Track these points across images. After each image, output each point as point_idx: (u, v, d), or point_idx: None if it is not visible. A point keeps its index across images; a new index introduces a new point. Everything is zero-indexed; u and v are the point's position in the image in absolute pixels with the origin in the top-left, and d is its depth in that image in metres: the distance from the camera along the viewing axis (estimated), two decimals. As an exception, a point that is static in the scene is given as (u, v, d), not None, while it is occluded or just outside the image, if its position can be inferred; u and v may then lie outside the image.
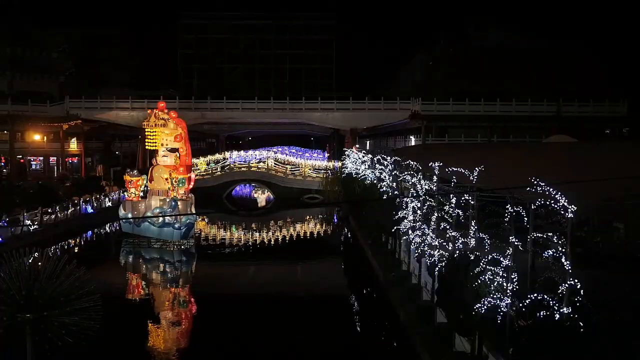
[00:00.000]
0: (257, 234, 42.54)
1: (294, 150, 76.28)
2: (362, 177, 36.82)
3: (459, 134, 54.05)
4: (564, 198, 10.88)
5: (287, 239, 41.30)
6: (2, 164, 59.80)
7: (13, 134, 57.24)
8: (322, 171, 58.48)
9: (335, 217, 50.82)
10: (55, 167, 61.21)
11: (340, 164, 56.25)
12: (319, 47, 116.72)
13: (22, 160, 60.60)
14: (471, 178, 15.34)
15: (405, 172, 24.05)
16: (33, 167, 62.65)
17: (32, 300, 9.74)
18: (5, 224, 31.12)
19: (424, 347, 16.32)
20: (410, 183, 22.35)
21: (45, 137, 60.55)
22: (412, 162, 23.20)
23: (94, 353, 14.26)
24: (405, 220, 20.51)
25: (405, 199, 21.11)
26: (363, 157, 41.04)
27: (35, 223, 33.99)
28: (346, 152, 52.95)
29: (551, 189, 11.05)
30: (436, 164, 18.54)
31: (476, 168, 15.28)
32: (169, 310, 23.73)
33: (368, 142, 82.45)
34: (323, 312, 22.78)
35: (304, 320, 21.73)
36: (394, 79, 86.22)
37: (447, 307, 14.98)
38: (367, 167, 37.61)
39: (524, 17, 75.31)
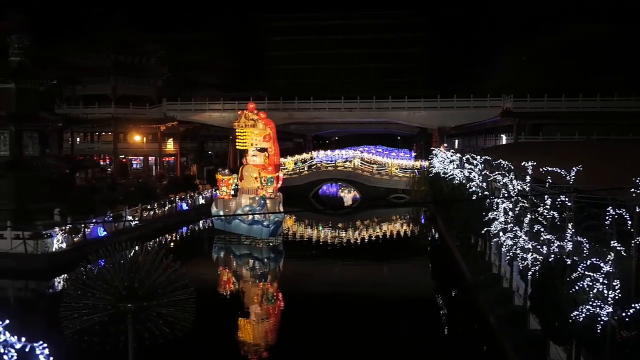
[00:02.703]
0: (344, 233, 42.74)
1: (380, 150, 75.86)
2: (450, 176, 35.97)
3: (554, 131, 51.32)
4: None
5: (373, 238, 41.18)
6: (107, 163, 64.15)
7: (116, 135, 61.28)
8: (409, 171, 57.77)
9: (422, 217, 50.03)
10: (154, 166, 64.82)
11: (427, 163, 55.28)
12: (405, 46, 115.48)
13: (124, 160, 64.70)
14: (568, 178, 14.54)
15: (496, 172, 23.22)
16: (134, 166, 66.73)
17: (132, 291, 10.31)
18: (110, 219, 33.30)
19: (515, 353, 15.69)
20: (501, 183, 21.55)
21: (144, 138, 64.27)
22: (503, 162, 22.35)
23: (189, 343, 14.88)
24: (496, 222, 19.79)
25: (495, 200, 20.38)
26: (451, 156, 40.08)
27: (136, 219, 36.16)
28: (433, 151, 51.95)
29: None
30: (529, 163, 17.74)
31: (573, 167, 14.46)
32: (257, 305, 24.40)
33: (456, 141, 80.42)
34: (409, 313, 22.49)
35: (389, 320, 21.57)
36: (483, 76, 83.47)
37: (541, 313, 14.28)
38: (455, 166, 36.69)
39: (626, 5, 70.30)
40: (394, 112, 60.25)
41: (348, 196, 64.46)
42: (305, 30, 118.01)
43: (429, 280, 30.28)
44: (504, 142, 56.85)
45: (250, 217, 35.22)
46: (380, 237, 41.82)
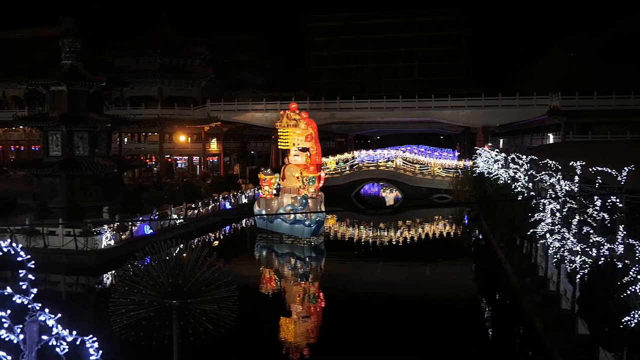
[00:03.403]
0: (385, 233, 42.50)
1: (422, 149, 75.13)
2: (495, 176, 35.26)
3: (605, 130, 49.60)
4: None
5: (415, 238, 40.80)
6: (153, 162, 65.75)
7: (162, 136, 62.76)
8: (452, 170, 56.93)
9: (465, 217, 49.23)
10: (198, 166, 66.04)
11: (471, 163, 54.35)
12: (448, 43, 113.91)
13: (169, 160, 66.20)
14: (619, 178, 14.04)
15: (543, 172, 22.65)
16: (179, 165, 68.15)
17: (177, 288, 10.53)
18: (156, 217, 34.11)
19: (563, 358, 15.26)
20: (548, 183, 20.99)
21: (189, 138, 65.54)
22: (550, 161, 21.77)
23: (231, 340, 15.10)
24: (543, 223, 19.29)
25: (542, 201, 19.86)
26: (496, 155, 39.30)
27: (181, 217, 36.91)
28: (477, 151, 51.03)
29: None
30: (578, 163, 17.22)
31: (625, 168, 13.95)
32: (298, 304, 24.52)
33: (501, 140, 78.77)
34: (452, 315, 22.19)
35: (431, 322, 21.33)
36: (529, 73, 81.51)
37: (590, 318, 13.84)
38: (500, 166, 35.96)
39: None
40: (436, 111, 59.50)
41: (390, 196, 64.05)
42: (347, 30, 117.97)
43: (472, 281, 29.79)
44: (551, 141, 55.32)
45: (292, 216, 35.41)
46: (423, 237, 41.38)
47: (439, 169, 57.63)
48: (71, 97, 35.98)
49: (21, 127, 59.22)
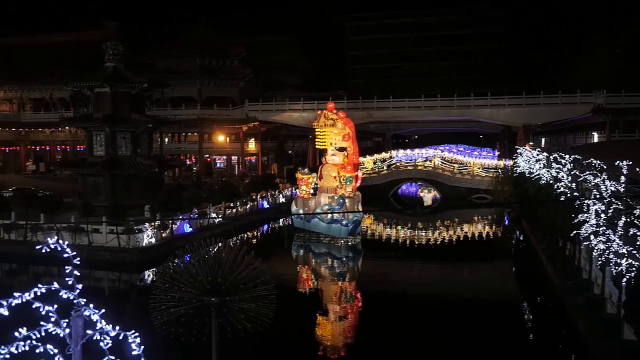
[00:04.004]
0: (423, 233, 42.10)
1: (461, 149, 74.11)
2: (537, 176, 34.49)
3: (652, 129, 48.02)
4: None
5: (453, 239, 40.27)
6: (193, 162, 66.89)
7: (201, 136, 63.78)
8: (492, 170, 55.95)
9: (505, 218, 48.32)
10: (236, 166, 66.85)
11: (511, 162, 53.29)
12: (487, 41, 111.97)
13: (208, 159, 67.21)
14: (668, 179, 13.54)
15: (587, 172, 22.02)
16: (218, 165, 69.15)
17: (216, 285, 10.68)
18: (195, 216, 34.68)
19: (607, 364, 14.82)
20: (592, 184, 20.41)
21: (227, 138, 66.43)
22: (595, 161, 21.16)
23: (269, 339, 15.24)
24: (587, 224, 18.76)
25: (586, 201, 19.32)
26: (537, 155, 38.43)
27: (219, 216, 37.43)
28: (518, 150, 50.00)
29: None
30: (624, 162, 16.68)
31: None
32: (335, 303, 24.54)
33: (543, 139, 76.99)
34: (491, 316, 21.82)
35: (469, 323, 21.01)
36: (571, 71, 79.37)
37: (637, 323, 13.41)
38: (541, 165, 35.15)
39: None
40: (476, 110, 58.62)
41: (428, 196, 63.40)
42: (384, 29, 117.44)
43: (512, 283, 29.20)
44: (596, 140, 53.78)
45: (330, 215, 35.46)
46: (461, 238, 40.81)
47: (479, 168, 56.72)
48: (114, 99, 36.91)
49: (67, 127, 61.10)
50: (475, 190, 54.30)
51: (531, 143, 56.56)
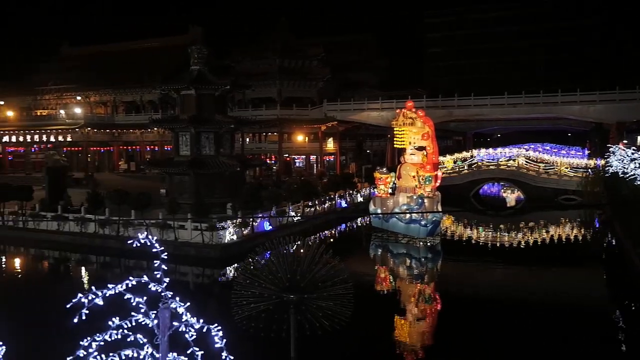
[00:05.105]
0: (505, 235, 40.65)
1: (547, 148, 70.88)
2: (631, 177, 32.42)
3: None
4: None
5: (538, 242, 38.59)
6: (273, 161, 68.32)
7: (281, 135, 65.00)
8: (581, 170, 53.12)
9: (596, 221, 45.72)
10: (315, 165, 67.57)
11: (603, 162, 50.34)
12: (574, 34, 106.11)
13: (288, 159, 68.38)
14: None
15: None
16: (297, 164, 70.22)
17: (295, 283, 10.87)
18: (275, 214, 35.40)
19: None
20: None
21: (306, 138, 67.29)
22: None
23: (346, 337, 15.30)
24: (688, 228, 17.40)
25: (688, 203, 17.92)
26: (632, 154, 36.09)
27: (298, 214, 37.98)
28: (610, 149, 47.17)
29: None
30: None
31: None
32: (413, 304, 24.22)
33: (638, 137, 72.09)
34: (579, 324, 20.72)
35: (553, 330, 20.05)
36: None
37: None
38: (637, 165, 33.00)
39: None
40: (564, 107, 55.85)
41: (511, 197, 61.13)
42: (465, 25, 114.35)
43: (602, 290, 27.55)
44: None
45: (408, 215, 35.05)
46: (547, 240, 39.03)
47: (566, 168, 54.03)
48: (199, 100, 38.38)
49: (155, 128, 64.26)
50: (563, 191, 51.77)
51: (625, 141, 53.11)
